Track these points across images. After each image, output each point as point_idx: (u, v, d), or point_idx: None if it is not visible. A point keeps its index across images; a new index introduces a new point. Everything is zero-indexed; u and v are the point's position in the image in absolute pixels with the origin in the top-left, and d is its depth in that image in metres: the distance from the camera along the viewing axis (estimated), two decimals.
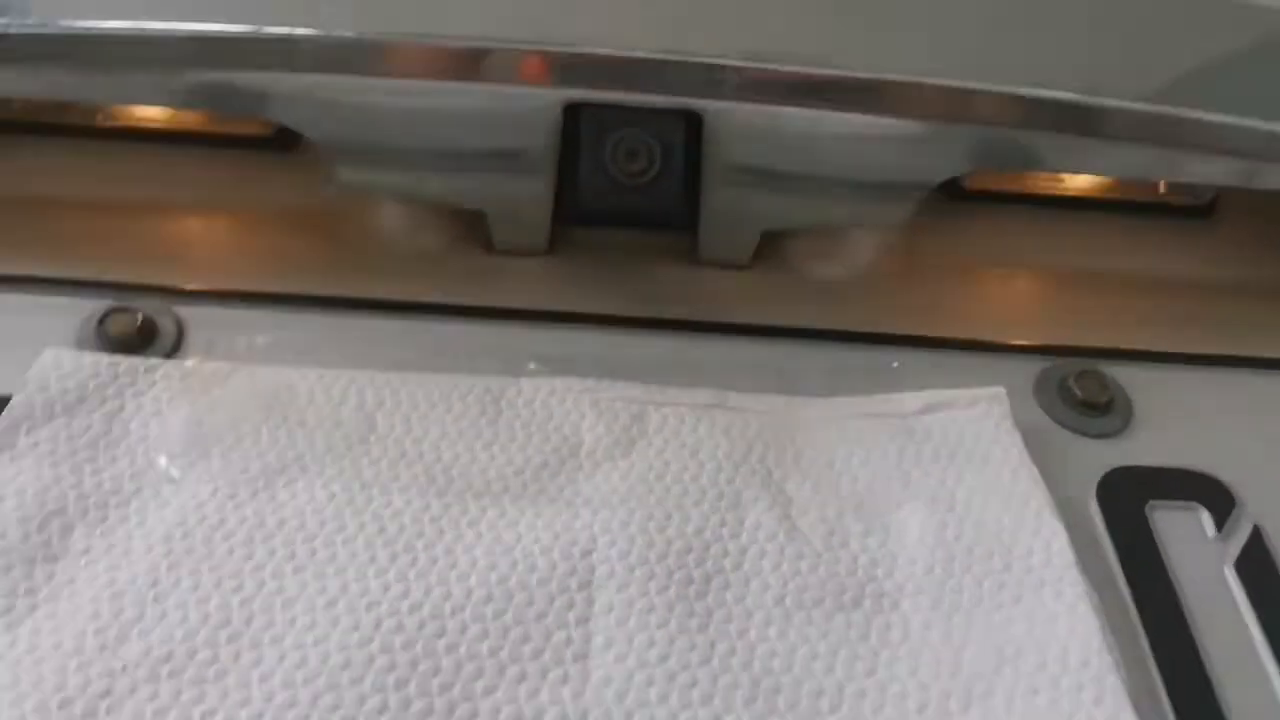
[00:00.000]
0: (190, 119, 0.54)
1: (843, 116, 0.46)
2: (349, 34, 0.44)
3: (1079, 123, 0.46)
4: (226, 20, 0.44)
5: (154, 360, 0.45)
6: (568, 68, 0.45)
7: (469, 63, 0.44)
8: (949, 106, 0.45)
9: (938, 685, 0.36)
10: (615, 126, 0.46)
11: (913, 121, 0.46)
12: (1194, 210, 0.58)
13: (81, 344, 0.45)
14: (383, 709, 0.35)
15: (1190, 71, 0.48)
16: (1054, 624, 0.37)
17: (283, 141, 0.55)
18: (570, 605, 0.38)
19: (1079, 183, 0.57)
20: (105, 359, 0.45)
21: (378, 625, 0.37)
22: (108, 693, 0.34)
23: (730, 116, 0.46)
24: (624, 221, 0.50)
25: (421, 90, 0.45)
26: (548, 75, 0.45)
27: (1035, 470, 0.43)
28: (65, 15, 0.45)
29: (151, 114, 0.54)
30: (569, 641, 0.37)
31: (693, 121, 0.47)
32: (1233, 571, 0.42)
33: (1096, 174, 0.51)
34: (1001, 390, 0.46)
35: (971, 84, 0.45)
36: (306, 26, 0.44)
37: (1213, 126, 0.46)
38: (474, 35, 0.44)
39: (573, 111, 0.46)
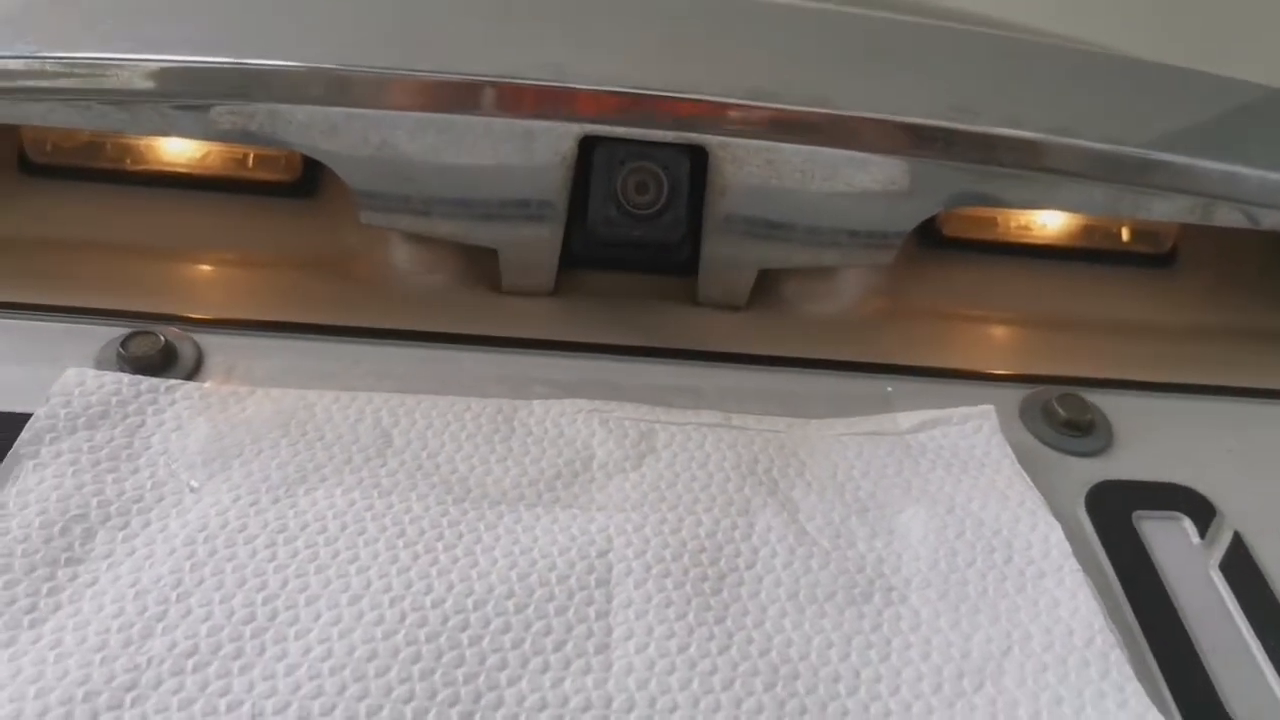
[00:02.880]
0: (214, 164, 0.57)
1: (833, 152, 0.49)
2: (382, 68, 0.48)
3: (1048, 161, 0.50)
4: (256, 54, 0.47)
5: (174, 381, 0.46)
6: (587, 103, 0.48)
7: (498, 98, 0.48)
8: (930, 144, 0.49)
9: (950, 668, 0.37)
10: (627, 159, 0.49)
11: (896, 158, 0.49)
12: (1156, 258, 0.62)
13: (103, 366, 0.47)
14: (409, 698, 0.35)
15: (1150, 120, 0.53)
16: (1057, 609, 0.39)
17: (304, 188, 0.57)
18: (590, 601, 0.39)
19: (1048, 232, 0.61)
20: (126, 378, 0.46)
21: (402, 619, 0.37)
22: (133, 685, 0.34)
23: (732, 151, 0.49)
24: (630, 253, 0.53)
25: (451, 125, 0.48)
26: (569, 110, 0.48)
27: (1026, 476, 0.45)
28: (104, 48, 0.48)
29: (178, 159, 0.56)
30: (590, 634, 0.38)
31: (698, 156, 0.50)
32: (1218, 573, 0.44)
33: (1065, 209, 0.54)
34: (990, 407, 0.48)
35: (951, 124, 0.49)
36: (334, 61, 0.47)
37: (1169, 166, 0.51)
38: (504, 73, 0.48)
39: (587, 146, 0.49)
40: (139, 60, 0.48)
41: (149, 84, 0.48)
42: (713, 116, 0.49)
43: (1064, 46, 0.59)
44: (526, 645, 0.37)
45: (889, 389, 0.51)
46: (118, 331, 0.48)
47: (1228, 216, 0.52)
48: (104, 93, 0.48)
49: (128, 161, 0.56)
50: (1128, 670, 0.37)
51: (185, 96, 0.48)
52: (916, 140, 0.50)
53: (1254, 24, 0.66)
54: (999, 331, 0.59)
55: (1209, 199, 0.52)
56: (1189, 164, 0.51)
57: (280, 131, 0.49)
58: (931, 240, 0.60)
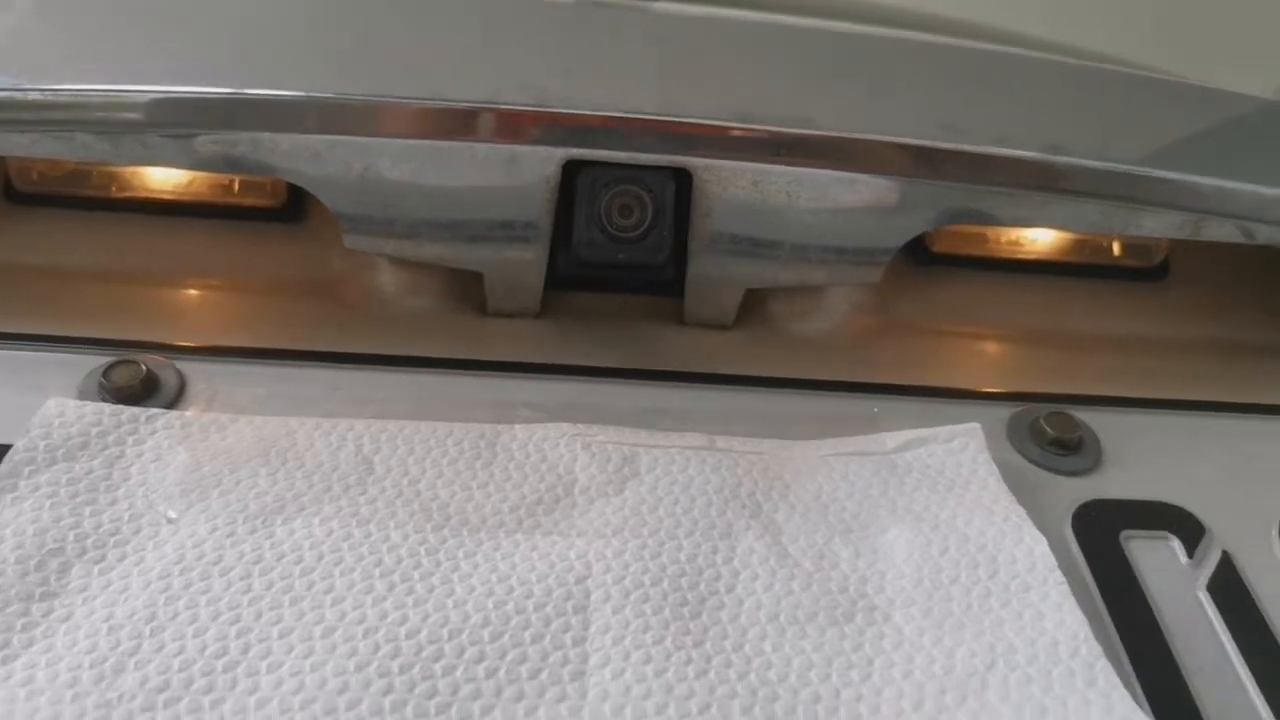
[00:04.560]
0: (200, 190, 0.57)
1: (820, 172, 0.49)
2: (365, 96, 0.48)
3: (1039, 179, 0.50)
4: (238, 84, 0.48)
5: (155, 410, 0.46)
6: (571, 128, 0.48)
7: (481, 123, 0.48)
8: (918, 164, 0.49)
9: (932, 684, 0.36)
10: (611, 183, 0.49)
11: (884, 178, 0.49)
12: (1147, 272, 0.61)
13: (85, 395, 0.47)
14: None
15: (1140, 135, 0.53)
16: (1041, 621, 0.39)
17: (290, 213, 0.57)
18: (566, 628, 0.38)
19: (1037, 247, 0.60)
20: (107, 408, 0.46)
21: (375, 650, 0.37)
22: None
23: (717, 173, 0.49)
24: (615, 274, 0.53)
25: (435, 151, 0.48)
26: (552, 134, 0.48)
27: (1010, 493, 0.45)
28: (88, 80, 0.48)
29: (163, 186, 0.57)
30: (565, 661, 0.37)
31: (682, 178, 0.50)
32: (1205, 594, 0.43)
33: (1055, 228, 0.54)
34: (976, 425, 0.48)
35: (939, 143, 0.49)
36: (316, 90, 0.48)
37: (1162, 182, 0.50)
38: (487, 99, 0.48)
39: (570, 170, 0.49)
40: (121, 91, 0.48)
41: (132, 115, 0.48)
42: (697, 139, 0.49)
43: (1052, 60, 0.58)
44: (501, 674, 0.37)
45: (876, 409, 0.51)
46: (100, 360, 0.48)
47: (1218, 231, 0.52)
48: (87, 124, 0.48)
49: (113, 189, 0.57)
50: (1114, 678, 0.36)
51: (168, 127, 0.48)
52: (904, 160, 0.49)
53: (1247, 34, 0.65)
54: (988, 348, 0.58)
55: (1200, 214, 0.51)
56: (1181, 180, 0.51)
57: (264, 159, 0.49)
58: (920, 257, 0.60)
